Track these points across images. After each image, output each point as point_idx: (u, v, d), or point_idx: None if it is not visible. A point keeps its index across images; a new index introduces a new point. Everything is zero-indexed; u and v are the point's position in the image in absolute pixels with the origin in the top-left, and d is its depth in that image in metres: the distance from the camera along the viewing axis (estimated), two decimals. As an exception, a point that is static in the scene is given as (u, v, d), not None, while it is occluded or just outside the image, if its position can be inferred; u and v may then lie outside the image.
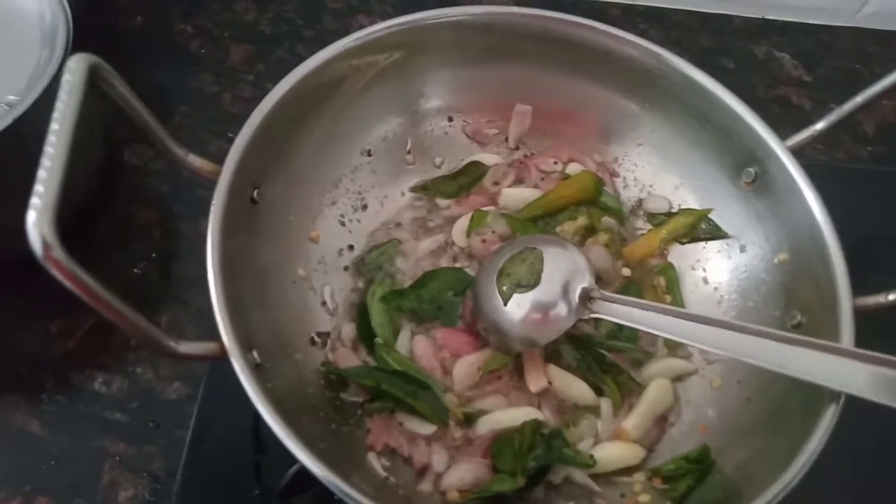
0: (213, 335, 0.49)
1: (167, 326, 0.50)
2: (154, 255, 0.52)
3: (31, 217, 0.26)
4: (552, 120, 0.48)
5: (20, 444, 0.45)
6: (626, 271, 0.44)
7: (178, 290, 0.51)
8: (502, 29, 0.45)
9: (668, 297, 0.44)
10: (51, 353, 0.48)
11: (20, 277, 0.49)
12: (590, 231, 0.45)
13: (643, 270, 0.44)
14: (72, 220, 0.44)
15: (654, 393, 0.39)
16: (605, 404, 0.40)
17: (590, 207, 0.46)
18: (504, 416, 0.38)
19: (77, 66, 0.30)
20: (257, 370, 0.33)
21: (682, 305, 0.44)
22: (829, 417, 0.33)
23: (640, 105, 0.46)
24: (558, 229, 0.45)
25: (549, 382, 0.39)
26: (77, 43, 0.46)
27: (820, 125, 0.42)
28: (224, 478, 0.42)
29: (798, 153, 0.41)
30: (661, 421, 0.39)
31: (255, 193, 0.39)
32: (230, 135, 0.58)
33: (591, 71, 0.46)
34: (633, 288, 0.44)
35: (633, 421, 0.39)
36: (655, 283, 0.44)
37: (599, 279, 0.42)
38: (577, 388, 0.39)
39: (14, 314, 0.49)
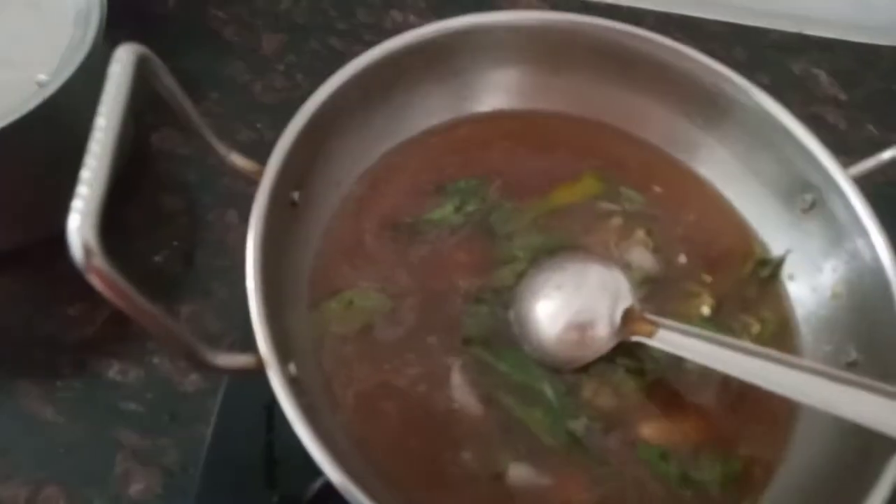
0: (233, 328, 0.49)
1: (188, 317, 0.49)
2: (177, 243, 0.51)
3: (74, 222, 0.25)
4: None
5: (33, 431, 0.44)
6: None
7: (201, 281, 0.50)
8: (556, 35, 0.44)
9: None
10: (69, 339, 0.47)
11: (41, 259, 0.49)
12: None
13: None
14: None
15: None
16: None
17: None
18: None
19: (126, 57, 0.29)
20: (294, 384, 0.32)
21: None
22: (893, 470, 0.31)
23: (692, 121, 0.45)
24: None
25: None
26: (108, 24, 0.45)
27: (887, 154, 0.40)
28: (243, 478, 0.41)
29: (861, 182, 0.40)
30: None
31: (295, 196, 0.38)
32: (259, 125, 0.58)
33: (644, 85, 0.45)
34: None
35: None
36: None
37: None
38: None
39: (34, 296, 0.48)
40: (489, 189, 0.44)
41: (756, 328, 0.41)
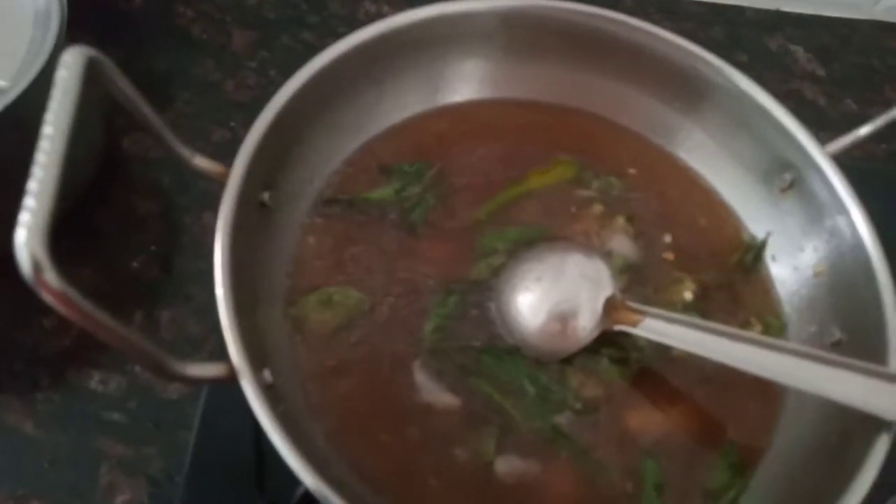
0: (215, 333, 0.48)
1: (167, 323, 0.48)
2: (154, 248, 0.50)
3: (21, 236, 0.23)
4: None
5: (13, 445, 0.43)
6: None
7: (180, 285, 0.49)
8: (528, 21, 0.43)
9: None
10: (46, 350, 0.46)
11: (13, 268, 0.48)
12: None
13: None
14: (68, 211, 0.42)
15: None
16: None
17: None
18: None
19: (73, 61, 0.27)
20: (269, 391, 0.31)
21: None
22: (880, 450, 0.31)
23: (670, 105, 0.45)
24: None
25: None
26: (72, 24, 0.44)
27: (864, 129, 0.40)
28: (229, 483, 0.41)
29: (839, 159, 0.40)
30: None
31: (265, 197, 0.37)
32: (232, 124, 0.57)
33: (620, 69, 0.44)
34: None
35: None
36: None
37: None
38: None
39: (7, 308, 0.47)
40: (453, 178, 0.43)
41: (758, 329, 0.40)
